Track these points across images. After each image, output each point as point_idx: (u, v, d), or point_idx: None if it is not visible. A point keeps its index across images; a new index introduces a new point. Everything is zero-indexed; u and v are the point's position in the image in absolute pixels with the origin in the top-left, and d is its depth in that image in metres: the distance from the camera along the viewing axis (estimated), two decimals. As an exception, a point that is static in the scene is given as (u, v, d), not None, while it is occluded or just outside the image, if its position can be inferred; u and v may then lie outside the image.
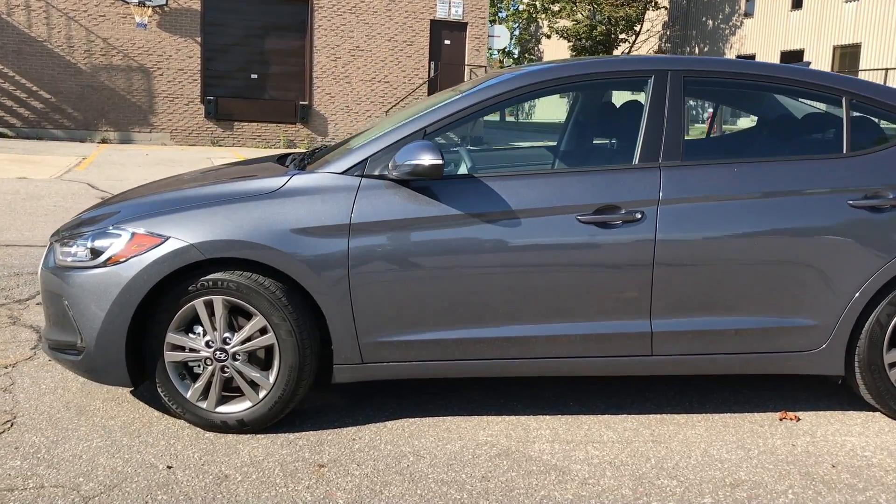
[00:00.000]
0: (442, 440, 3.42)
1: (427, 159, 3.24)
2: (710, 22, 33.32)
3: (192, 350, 3.41)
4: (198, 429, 3.47)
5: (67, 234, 3.56)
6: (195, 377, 3.46)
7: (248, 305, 3.33)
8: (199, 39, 20.36)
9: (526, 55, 44.05)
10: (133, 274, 3.29)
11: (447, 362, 3.47)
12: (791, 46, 29.32)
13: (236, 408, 3.43)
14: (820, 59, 27.85)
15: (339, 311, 3.36)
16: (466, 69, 22.78)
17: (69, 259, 3.48)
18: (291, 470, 3.13)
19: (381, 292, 3.37)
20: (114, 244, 3.35)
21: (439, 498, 2.93)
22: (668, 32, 35.87)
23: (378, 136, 3.52)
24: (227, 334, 3.38)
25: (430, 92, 22.21)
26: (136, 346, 3.42)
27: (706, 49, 33.53)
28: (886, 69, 24.70)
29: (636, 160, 3.50)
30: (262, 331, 3.37)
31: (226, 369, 3.40)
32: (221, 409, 3.43)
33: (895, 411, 3.61)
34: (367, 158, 3.44)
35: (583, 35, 32.91)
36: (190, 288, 3.33)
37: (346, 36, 21.53)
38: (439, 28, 22.51)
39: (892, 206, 3.46)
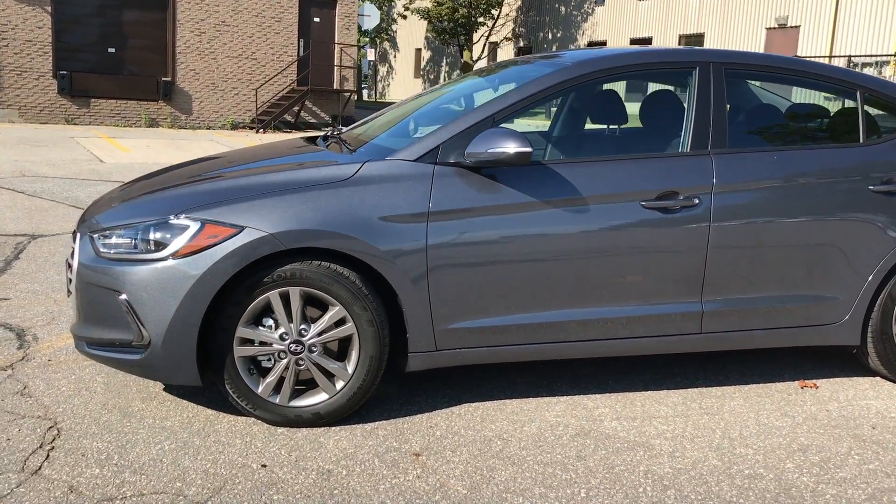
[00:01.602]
0: (516, 423, 3.48)
1: (512, 147, 3.26)
2: (563, 8, 34.46)
3: (262, 343, 3.28)
4: (265, 425, 3.35)
5: (109, 225, 3.32)
6: (263, 372, 3.34)
7: (327, 296, 3.24)
8: (48, 9, 18.95)
9: (381, 35, 43.90)
10: (208, 266, 3.12)
11: (517, 347, 3.52)
12: (640, 34, 30.85)
13: (311, 401, 3.34)
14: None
15: (416, 298, 3.34)
16: (336, 48, 22.48)
17: (112, 252, 3.25)
18: (390, 460, 3.10)
19: (457, 279, 3.37)
20: (182, 235, 3.16)
21: (551, 479, 3.00)
22: (522, 17, 36.77)
23: (447, 123, 3.49)
24: (302, 326, 3.28)
25: (300, 70, 21.76)
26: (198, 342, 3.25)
27: (559, 35, 34.68)
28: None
29: (688, 148, 3.67)
30: (339, 322, 3.30)
31: (300, 362, 3.30)
32: (295, 403, 3.33)
33: (900, 375, 4.00)
34: (439, 145, 3.42)
35: (444, 16, 33.19)
36: (265, 279, 3.20)
37: (210, 10, 20.69)
38: (308, 5, 22.06)
39: (902, 191, 3.82)
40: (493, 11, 34.09)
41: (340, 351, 3.38)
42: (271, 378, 3.30)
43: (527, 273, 3.44)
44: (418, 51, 45.30)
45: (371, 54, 30.40)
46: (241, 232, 3.16)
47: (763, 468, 3.14)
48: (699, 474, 3.08)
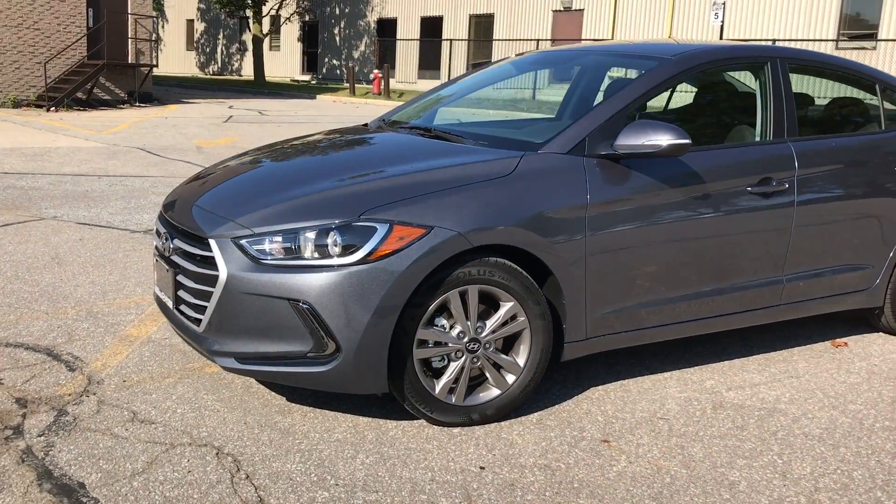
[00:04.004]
0: (654, 402, 3.65)
1: (667, 139, 3.39)
2: (352, -17, 34.24)
3: (437, 344, 3.19)
4: (437, 428, 3.27)
5: (263, 229, 3.07)
6: (436, 372, 3.25)
7: (504, 292, 3.22)
8: None
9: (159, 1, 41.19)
10: (402, 268, 2.99)
11: (654, 328, 3.69)
12: (431, 13, 31.42)
13: (483, 397, 3.30)
14: (458, 27, 30.31)
15: (575, 289, 3.40)
16: (130, 19, 20.91)
17: (271, 259, 3.04)
18: (590, 449, 3.16)
19: (608, 268, 3.47)
20: (372, 238, 2.99)
21: (740, 450, 3.20)
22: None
23: (586, 113, 3.57)
24: (478, 323, 3.23)
25: (92, 44, 20.01)
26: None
27: (347, 10, 34.43)
28: (516, 40, 27.72)
29: (770, 136, 4.00)
30: (512, 317, 3.28)
31: (475, 360, 3.25)
32: (469, 401, 3.28)
33: (912, 332, 4.65)
34: (585, 137, 3.48)
35: (232, -11, 31.73)
36: (447, 279, 3.11)
37: (-18, -27, 18.41)
38: (97, -28, 20.28)
39: (921, 171, 4.41)
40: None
41: (507, 345, 3.37)
42: (447, 378, 3.22)
43: (667, 256, 3.60)
44: (190, 22, 42.96)
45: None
46: (430, 232, 3.04)
47: (887, 420, 3.57)
48: (847, 432, 3.43)
